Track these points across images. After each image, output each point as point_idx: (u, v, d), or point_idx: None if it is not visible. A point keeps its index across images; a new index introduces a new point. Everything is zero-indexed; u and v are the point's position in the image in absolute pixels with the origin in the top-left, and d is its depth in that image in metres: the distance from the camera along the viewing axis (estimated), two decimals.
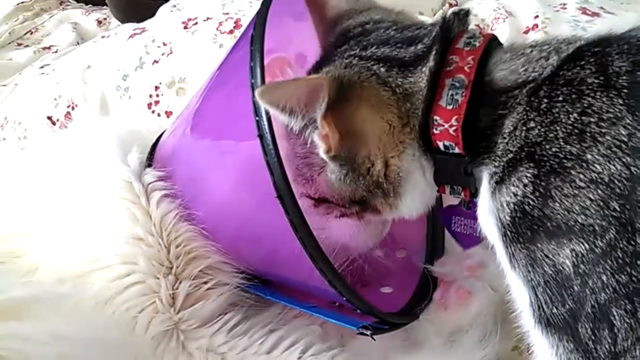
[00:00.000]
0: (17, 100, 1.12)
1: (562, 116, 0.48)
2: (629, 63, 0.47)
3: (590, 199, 0.45)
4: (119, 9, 1.67)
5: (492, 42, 0.55)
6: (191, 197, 0.72)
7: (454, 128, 0.52)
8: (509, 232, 0.50)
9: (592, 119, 0.46)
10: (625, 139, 0.45)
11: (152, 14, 1.20)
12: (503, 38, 0.59)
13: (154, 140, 0.80)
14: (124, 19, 1.52)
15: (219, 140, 0.72)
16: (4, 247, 0.73)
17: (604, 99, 0.46)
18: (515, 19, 1.04)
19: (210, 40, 0.99)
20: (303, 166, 0.60)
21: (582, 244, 0.45)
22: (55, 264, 0.71)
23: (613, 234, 0.44)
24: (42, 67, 1.20)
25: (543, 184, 0.47)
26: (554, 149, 0.47)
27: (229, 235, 0.72)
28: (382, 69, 0.55)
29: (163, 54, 1.01)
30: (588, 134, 0.46)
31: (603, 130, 0.46)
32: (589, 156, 0.46)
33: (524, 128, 0.49)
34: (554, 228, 0.47)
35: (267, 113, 0.54)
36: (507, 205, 0.49)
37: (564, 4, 1.05)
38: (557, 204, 0.46)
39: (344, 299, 0.59)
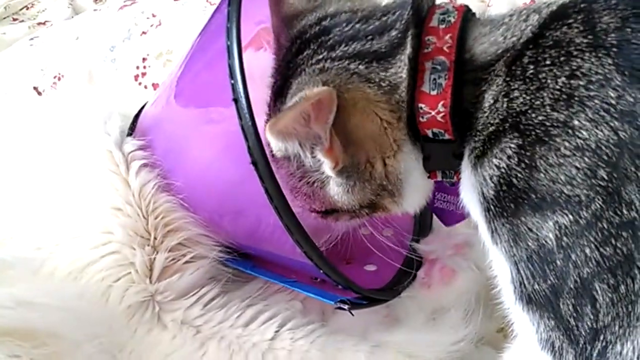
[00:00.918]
0: (4, 70, 1.10)
1: (549, 81, 0.45)
2: (617, 19, 0.44)
3: (576, 167, 0.43)
4: None
5: (467, 15, 0.52)
6: (172, 167, 0.71)
7: (441, 114, 0.49)
8: (492, 207, 0.47)
9: (580, 82, 0.44)
10: (614, 102, 0.42)
11: None
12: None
13: (136, 111, 0.79)
14: None
15: (204, 108, 0.69)
16: None
17: (592, 60, 0.44)
18: None
19: (200, 11, 0.97)
20: (302, 184, 0.56)
21: (567, 215, 0.43)
22: (32, 231, 0.69)
23: (599, 204, 0.42)
24: (31, 38, 1.18)
25: (528, 154, 0.45)
26: (540, 117, 0.45)
27: (210, 207, 0.70)
28: (361, 66, 0.51)
29: (152, 26, 0.99)
30: (576, 99, 0.44)
31: (591, 94, 0.43)
32: (575, 122, 0.43)
33: (506, 99, 0.47)
34: (539, 200, 0.45)
35: (242, 76, 0.52)
36: (491, 179, 0.47)
37: None
38: (541, 175, 0.44)
39: (321, 271, 0.57)
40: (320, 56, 0.52)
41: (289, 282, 0.69)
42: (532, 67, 0.46)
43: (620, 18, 0.44)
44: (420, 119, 0.50)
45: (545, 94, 0.45)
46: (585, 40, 0.44)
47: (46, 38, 1.13)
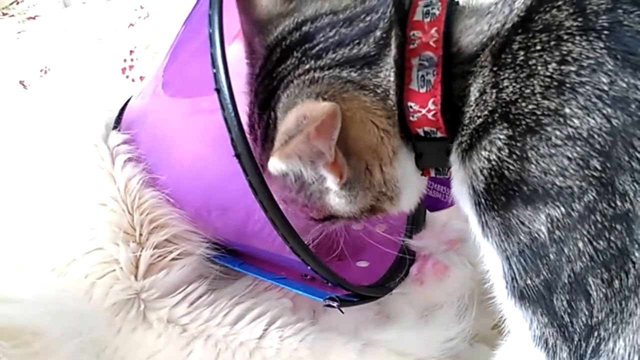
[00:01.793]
0: None
1: (539, 67, 0.43)
2: (607, 0, 0.42)
3: (568, 157, 0.41)
4: None
5: (452, 5, 0.50)
6: (158, 161, 0.69)
7: (432, 112, 0.47)
8: (482, 200, 0.46)
9: (572, 68, 0.42)
10: (606, 88, 0.40)
11: None
12: None
13: (122, 104, 0.77)
14: None
15: (194, 98, 0.67)
16: None
17: (583, 44, 0.42)
18: None
19: (188, 3, 0.95)
20: (299, 196, 0.54)
21: (558, 207, 0.42)
22: (14, 227, 0.68)
23: (592, 195, 0.41)
24: (18, 32, 1.16)
25: (519, 144, 0.43)
26: (530, 106, 0.43)
27: (197, 203, 0.68)
28: (353, 73, 0.48)
29: (139, 17, 0.97)
30: (567, 85, 0.42)
31: (583, 80, 0.41)
32: (567, 110, 0.42)
33: (495, 90, 0.45)
34: (530, 192, 0.43)
35: (224, 65, 0.49)
36: (481, 171, 0.45)
37: None
38: (532, 166, 0.43)
39: (309, 267, 0.55)
40: (307, 66, 0.50)
41: (278, 279, 0.67)
42: (522, 53, 0.44)
43: None
44: (411, 118, 0.49)
45: (535, 82, 0.43)
46: (575, 24, 0.42)
47: (33, 31, 1.11)
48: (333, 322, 0.68)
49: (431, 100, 0.47)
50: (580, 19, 0.42)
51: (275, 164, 0.46)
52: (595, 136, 0.41)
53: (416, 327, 0.67)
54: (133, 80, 0.94)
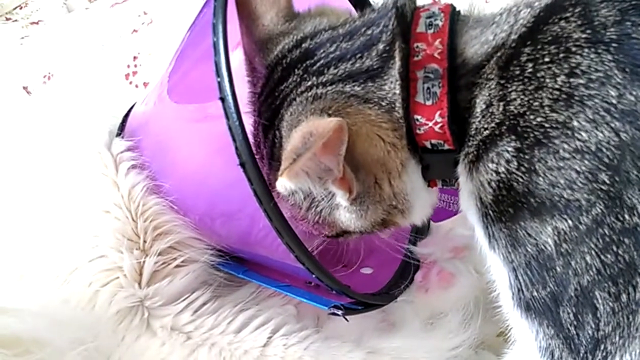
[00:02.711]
0: None
1: (547, 80, 0.43)
2: (615, 12, 0.42)
3: (576, 170, 0.41)
4: None
5: (454, 15, 0.49)
6: (162, 168, 0.69)
7: (439, 125, 0.47)
8: (490, 212, 0.46)
9: (580, 81, 0.41)
10: (615, 101, 0.40)
11: None
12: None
13: (126, 111, 0.77)
14: None
15: (198, 104, 0.67)
16: None
17: (592, 56, 0.41)
18: None
19: (192, 9, 0.94)
20: (309, 213, 0.53)
21: (566, 220, 0.42)
22: (16, 235, 0.67)
23: (600, 209, 0.40)
24: (22, 37, 1.16)
25: (527, 157, 0.43)
26: (538, 119, 0.43)
27: (201, 210, 0.68)
28: (357, 87, 0.48)
29: (143, 24, 0.97)
30: (576, 98, 0.41)
31: (592, 93, 0.41)
32: (575, 123, 0.41)
33: (502, 103, 0.44)
34: (538, 205, 0.43)
35: (229, 74, 0.49)
36: (489, 183, 0.45)
37: None
38: (540, 179, 0.42)
39: (313, 275, 0.55)
40: (310, 82, 0.49)
41: (282, 287, 0.67)
42: (530, 65, 0.44)
43: (619, 11, 0.42)
44: (417, 130, 0.48)
45: (544, 94, 0.43)
46: (583, 36, 0.42)
47: (36, 37, 1.11)
48: (337, 330, 0.67)
49: (438, 113, 0.47)
50: (588, 31, 0.42)
51: (284, 183, 0.46)
52: (604, 150, 0.40)
53: (421, 334, 0.66)
54: (136, 87, 0.94)
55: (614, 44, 0.41)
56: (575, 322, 0.43)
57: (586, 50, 0.42)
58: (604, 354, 0.42)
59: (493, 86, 0.45)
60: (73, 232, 0.66)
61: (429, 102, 0.47)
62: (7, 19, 1.65)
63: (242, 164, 0.49)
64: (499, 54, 0.45)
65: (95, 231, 0.65)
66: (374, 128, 0.48)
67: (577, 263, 0.41)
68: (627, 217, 0.40)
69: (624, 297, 0.41)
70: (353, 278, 0.69)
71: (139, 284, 0.64)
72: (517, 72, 0.44)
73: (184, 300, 0.65)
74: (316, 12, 0.56)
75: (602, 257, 0.41)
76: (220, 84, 0.49)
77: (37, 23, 1.57)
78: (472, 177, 0.47)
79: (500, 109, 0.44)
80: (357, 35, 0.50)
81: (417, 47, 0.48)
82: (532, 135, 0.43)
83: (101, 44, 0.98)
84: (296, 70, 0.50)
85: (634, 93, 0.40)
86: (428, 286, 0.71)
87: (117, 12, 1.01)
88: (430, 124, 0.47)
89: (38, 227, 0.67)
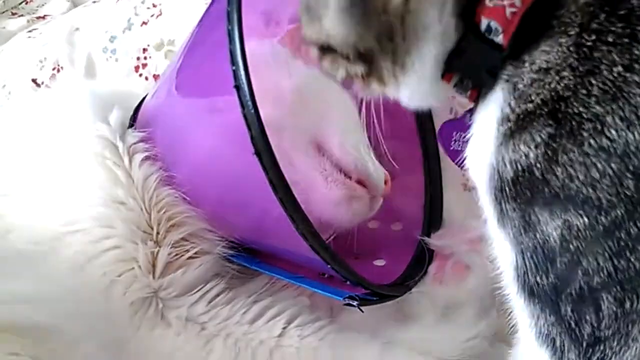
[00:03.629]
0: (2, 63, 1.07)
1: (603, 67, 0.38)
2: None
3: (598, 169, 0.39)
4: None
5: None
6: (175, 159, 0.69)
7: (513, 10, 0.40)
8: (506, 188, 0.43)
9: (636, 78, 0.37)
10: None
11: None
12: None
13: (138, 102, 0.76)
14: None
15: (207, 98, 0.67)
16: None
17: None
18: None
19: (201, 1, 0.94)
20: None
21: (581, 217, 0.39)
22: (32, 225, 0.67)
23: (621, 212, 0.38)
24: (30, 31, 1.15)
25: (555, 145, 0.40)
26: (580, 109, 0.39)
27: (213, 200, 0.68)
28: None
29: (152, 16, 0.96)
30: (624, 94, 0.38)
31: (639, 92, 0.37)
32: (608, 119, 0.38)
33: (557, 77, 0.40)
34: (551, 195, 0.41)
35: (244, 62, 0.49)
36: (513, 163, 0.43)
37: None
38: (559, 169, 0.40)
39: (328, 266, 0.55)
40: None
41: (295, 278, 0.67)
42: (593, 38, 0.38)
43: None
44: (488, 1, 0.41)
45: (595, 83, 0.38)
46: None
47: (45, 30, 1.10)
48: (352, 321, 0.67)
49: None
50: None
51: None
52: (631, 154, 0.38)
53: (437, 326, 0.66)
54: (146, 79, 0.94)
55: None
56: (574, 317, 0.42)
57: None
58: (602, 355, 0.41)
59: (564, 46, 0.40)
60: (87, 223, 0.66)
61: None
62: (13, 14, 1.65)
63: (257, 153, 0.49)
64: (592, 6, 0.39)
65: (110, 222, 0.65)
66: None
67: (588, 263, 0.40)
68: None
69: (627, 304, 0.39)
70: (366, 270, 0.69)
71: (153, 275, 0.64)
72: (582, 41, 0.39)
73: (198, 291, 0.65)
74: None
75: (615, 260, 0.39)
76: (235, 72, 0.49)
77: (43, 17, 1.57)
78: (500, 150, 0.43)
79: (553, 84, 0.40)
80: None
81: None
82: (568, 124, 0.40)
83: (111, 36, 0.98)
84: None
85: None
86: (443, 278, 0.70)
87: (126, 5, 1.01)
88: (506, 2, 0.41)
89: (52, 218, 0.67)
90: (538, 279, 0.43)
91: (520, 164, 0.42)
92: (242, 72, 0.48)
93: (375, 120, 0.60)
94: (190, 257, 0.67)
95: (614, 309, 0.40)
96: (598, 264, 0.40)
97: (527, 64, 0.42)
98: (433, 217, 0.81)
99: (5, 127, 0.81)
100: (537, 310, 0.44)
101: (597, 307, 0.40)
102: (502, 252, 0.46)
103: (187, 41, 0.68)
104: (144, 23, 0.96)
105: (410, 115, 0.86)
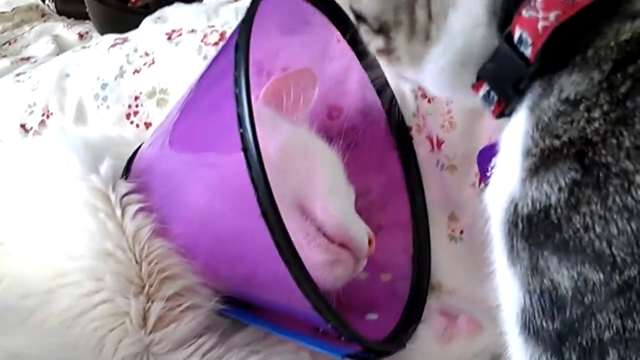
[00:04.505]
0: None
1: (637, 120, 0.36)
2: None
3: (618, 227, 0.38)
4: (101, 22, 1.64)
5: None
6: (168, 211, 0.68)
7: (545, 24, 0.39)
8: (520, 224, 0.42)
9: None
10: None
11: (135, 28, 1.16)
12: None
13: (131, 152, 0.77)
14: (106, 33, 1.48)
15: (199, 153, 0.68)
16: None
17: None
18: None
19: (194, 51, 0.96)
20: None
21: (598, 273, 0.39)
22: (22, 277, 0.66)
23: (635, 273, 0.38)
24: (18, 74, 1.15)
25: (579, 193, 0.39)
26: (608, 159, 0.37)
27: (205, 254, 0.68)
28: None
29: (145, 64, 0.97)
30: None
31: None
32: (637, 178, 0.37)
33: (587, 115, 0.38)
34: (562, 242, 0.40)
35: (252, 125, 0.50)
36: (534, 201, 0.42)
37: None
38: (577, 217, 0.39)
39: (329, 325, 0.55)
40: None
41: (290, 334, 0.66)
42: (628, 83, 0.37)
43: None
44: (524, 11, 0.40)
45: (626, 134, 0.37)
46: None
47: (34, 74, 1.10)
48: None
49: (555, 13, 0.39)
50: None
51: None
52: None
53: None
54: (137, 126, 0.94)
55: None
56: None
57: None
58: None
59: (596, 80, 0.38)
60: (77, 276, 0.65)
61: None
62: None
63: (264, 214, 0.50)
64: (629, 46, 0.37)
65: (100, 274, 0.65)
66: None
67: (602, 318, 0.40)
68: None
69: None
70: (360, 324, 0.69)
71: (145, 329, 0.64)
72: (615, 83, 0.37)
73: (192, 344, 0.64)
74: None
75: (624, 320, 0.39)
76: (243, 135, 0.50)
77: (27, 59, 1.57)
78: (524, 186, 0.42)
79: (582, 122, 0.38)
80: None
81: None
82: (594, 174, 0.38)
83: (102, 83, 0.98)
84: None
85: None
86: (453, 335, 0.70)
87: (118, 52, 1.02)
88: (540, 15, 0.40)
89: (42, 270, 0.66)
90: (544, 323, 0.42)
91: (540, 203, 0.41)
92: (250, 135, 0.50)
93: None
94: (182, 311, 0.66)
95: None
96: (609, 320, 0.40)
97: (555, 91, 0.41)
98: (421, 269, 0.81)
99: None
100: (539, 352, 0.43)
101: (603, 359, 0.40)
102: (508, 289, 0.45)
103: (186, 95, 0.69)
104: (136, 71, 0.97)
105: (398, 167, 0.88)
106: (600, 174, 0.38)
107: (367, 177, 0.88)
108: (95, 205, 0.68)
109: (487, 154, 0.56)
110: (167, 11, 1.17)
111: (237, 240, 0.63)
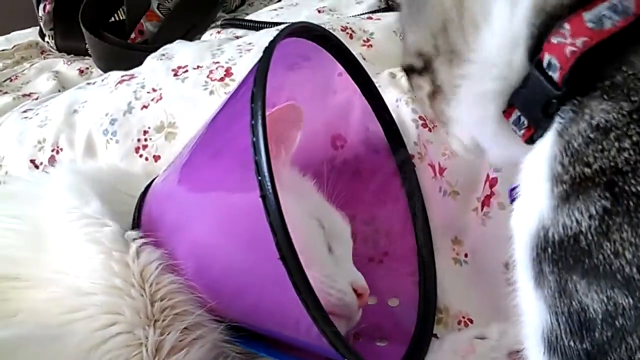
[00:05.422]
0: None
1: None
2: None
3: None
4: (101, 58, 1.67)
5: None
6: (175, 247, 0.70)
7: (573, 49, 0.40)
8: (550, 250, 0.43)
9: None
10: None
11: (135, 64, 1.18)
12: None
13: (139, 184, 0.78)
14: (106, 69, 1.51)
15: (206, 192, 0.70)
16: None
17: None
18: None
19: (200, 87, 0.99)
20: None
21: (627, 297, 0.40)
22: (37, 311, 0.67)
23: None
24: (24, 111, 1.17)
25: (609, 221, 0.40)
26: (639, 188, 0.38)
27: (211, 288, 0.69)
28: None
29: (152, 100, 1.00)
30: None
31: None
32: None
33: (617, 145, 0.39)
34: (591, 267, 0.41)
35: (269, 172, 0.52)
36: (565, 227, 0.42)
37: None
38: (607, 244, 0.40)
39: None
40: None
41: None
42: None
43: None
44: (553, 38, 0.41)
45: None
46: None
47: (41, 111, 1.13)
48: None
49: (584, 39, 0.40)
50: None
51: None
52: None
53: None
54: (146, 159, 0.96)
55: None
56: None
57: None
58: None
59: (626, 110, 0.39)
60: (92, 310, 0.66)
61: (590, 25, 0.40)
62: None
63: (282, 257, 0.51)
64: None
65: (115, 308, 0.66)
66: None
67: (633, 341, 0.40)
68: None
69: None
70: (371, 352, 0.70)
71: (157, 358, 0.64)
72: None
73: None
74: None
75: None
76: (261, 182, 0.52)
77: (29, 95, 1.59)
78: (555, 212, 0.43)
79: (613, 152, 0.39)
80: None
81: None
82: (625, 203, 0.39)
83: (111, 119, 1.00)
84: None
85: None
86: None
87: (126, 88, 1.04)
88: (568, 41, 0.41)
89: (61, 304, 0.67)
90: (572, 342, 0.43)
91: (571, 229, 0.42)
92: (268, 182, 0.51)
93: None
94: (193, 339, 0.67)
95: None
96: (638, 343, 0.40)
97: (586, 116, 0.41)
98: (428, 293, 0.83)
99: (7, 210, 0.81)
100: None
101: None
102: (532, 309, 0.46)
103: (197, 134, 0.70)
104: (145, 106, 0.99)
105: (401, 194, 0.90)
106: (631, 203, 0.39)
107: (372, 205, 0.90)
108: (105, 243, 0.70)
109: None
110: (170, 48, 1.21)
111: (242, 273, 0.65)
